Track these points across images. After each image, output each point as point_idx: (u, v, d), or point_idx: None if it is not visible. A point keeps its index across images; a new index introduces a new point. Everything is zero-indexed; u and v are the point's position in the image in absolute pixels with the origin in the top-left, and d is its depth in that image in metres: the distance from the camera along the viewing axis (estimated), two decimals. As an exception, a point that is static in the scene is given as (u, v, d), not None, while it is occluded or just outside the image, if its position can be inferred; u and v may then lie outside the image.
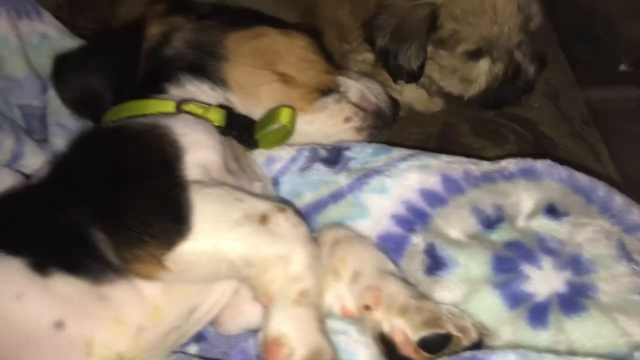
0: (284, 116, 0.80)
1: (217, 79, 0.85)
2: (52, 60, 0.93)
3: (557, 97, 1.22)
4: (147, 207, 0.59)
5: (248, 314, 0.70)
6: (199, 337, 0.72)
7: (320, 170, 0.82)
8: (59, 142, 0.91)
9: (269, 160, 0.85)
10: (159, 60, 0.86)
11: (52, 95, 0.95)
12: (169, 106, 0.79)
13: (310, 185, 0.81)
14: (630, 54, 3.27)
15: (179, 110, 0.78)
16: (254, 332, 0.69)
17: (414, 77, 1.04)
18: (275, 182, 0.83)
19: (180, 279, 0.62)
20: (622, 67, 3.40)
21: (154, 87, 0.84)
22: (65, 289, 0.59)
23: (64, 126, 0.92)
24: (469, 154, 0.94)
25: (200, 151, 0.68)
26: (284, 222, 0.63)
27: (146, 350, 0.63)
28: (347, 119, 0.88)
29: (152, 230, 0.59)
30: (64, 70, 0.91)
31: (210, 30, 0.88)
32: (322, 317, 0.61)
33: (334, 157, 0.84)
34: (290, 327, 0.59)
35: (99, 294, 0.60)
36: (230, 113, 0.81)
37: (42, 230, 0.62)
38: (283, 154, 0.85)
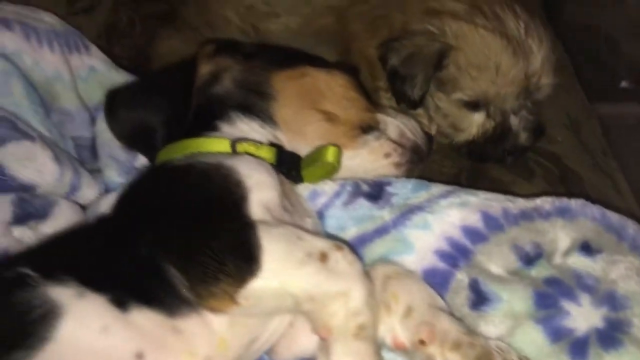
0: (331, 155, 0.85)
1: (265, 117, 0.90)
2: (104, 95, 0.98)
3: (578, 130, 1.27)
4: (220, 246, 0.64)
5: (302, 344, 0.74)
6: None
7: (363, 205, 0.86)
8: (113, 174, 0.96)
9: (314, 194, 0.89)
10: (209, 99, 0.91)
11: (102, 128, 1.00)
12: (224, 145, 0.83)
13: (355, 219, 0.85)
14: (632, 72, 3.35)
15: (234, 148, 0.83)
16: (306, 360, 0.74)
17: (415, 105, 1.08)
18: (320, 215, 0.88)
19: (247, 313, 0.66)
20: (624, 84, 3.48)
21: (206, 124, 0.89)
22: (143, 322, 0.63)
23: (116, 158, 0.97)
24: (500, 188, 0.99)
25: (262, 191, 0.72)
26: (342, 260, 0.67)
27: None
28: (387, 155, 0.93)
29: (225, 269, 0.63)
30: (116, 105, 0.95)
31: (258, 71, 0.93)
32: (378, 350, 0.66)
33: (376, 192, 0.88)
34: (350, 359, 0.63)
35: (173, 327, 0.64)
36: (280, 151, 0.86)
37: (118, 266, 0.66)
38: (327, 188, 0.89)
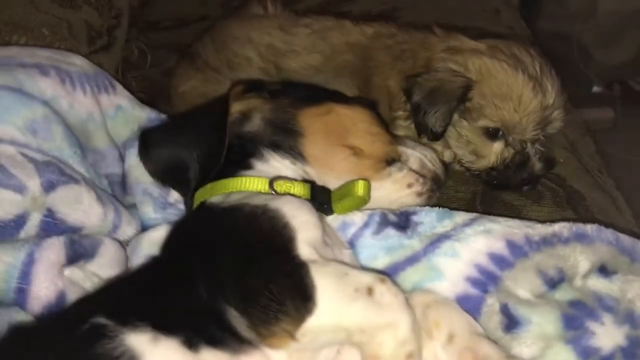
0: (362, 188, 0.90)
1: (296, 154, 0.95)
2: (138, 135, 1.02)
3: (576, 150, 1.35)
4: (278, 288, 0.69)
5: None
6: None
7: (392, 235, 0.92)
8: (149, 210, 0.99)
9: (344, 225, 0.94)
10: (240, 137, 0.96)
11: (133, 165, 1.04)
12: (262, 184, 0.88)
13: (385, 249, 0.91)
14: (603, 77, 3.48)
15: (272, 187, 0.88)
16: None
17: (436, 136, 1.14)
18: (351, 245, 0.92)
19: (304, 348, 0.71)
20: (595, 89, 3.61)
21: (240, 162, 0.94)
22: None
23: (151, 194, 1.01)
24: (512, 211, 1.06)
25: (308, 231, 0.77)
26: (387, 293, 0.73)
27: None
28: (410, 185, 0.99)
29: (284, 309, 0.68)
30: (150, 143, 1.00)
31: (285, 109, 0.98)
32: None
33: (403, 222, 0.94)
34: None
35: None
36: (313, 186, 0.91)
37: (182, 309, 0.71)
38: (356, 219, 0.94)
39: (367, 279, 0.73)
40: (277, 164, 0.94)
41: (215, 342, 0.69)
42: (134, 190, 1.02)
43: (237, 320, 0.70)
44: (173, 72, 1.34)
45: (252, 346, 0.70)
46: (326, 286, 0.70)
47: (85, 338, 0.66)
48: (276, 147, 0.95)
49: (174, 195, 1.02)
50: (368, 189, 0.91)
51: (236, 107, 0.98)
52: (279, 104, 0.99)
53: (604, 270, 0.85)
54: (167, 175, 0.99)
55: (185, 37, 1.78)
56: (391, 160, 0.99)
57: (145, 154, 1.00)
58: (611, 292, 0.82)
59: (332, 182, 0.95)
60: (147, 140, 1.00)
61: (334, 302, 0.70)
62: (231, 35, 1.27)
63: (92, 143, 1.04)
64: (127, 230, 0.96)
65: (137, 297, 0.73)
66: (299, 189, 0.89)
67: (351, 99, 1.06)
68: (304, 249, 0.75)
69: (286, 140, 0.95)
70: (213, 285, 0.72)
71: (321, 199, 0.91)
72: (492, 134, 1.11)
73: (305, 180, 0.92)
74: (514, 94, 1.06)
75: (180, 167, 0.96)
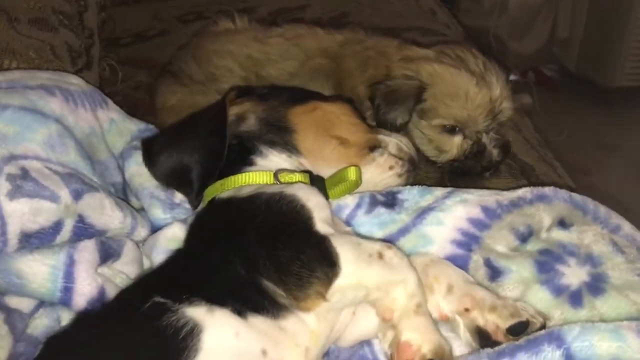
0: (353, 174, 1.03)
1: (291, 148, 1.06)
2: (141, 144, 1.10)
3: (520, 129, 1.53)
4: (308, 258, 0.81)
5: (362, 328, 0.91)
6: (325, 353, 0.93)
7: (383, 212, 1.05)
8: (158, 212, 1.07)
9: (338, 207, 1.06)
10: (238, 137, 1.06)
11: (135, 172, 1.12)
12: (268, 177, 0.99)
13: (379, 225, 1.03)
14: (518, 66, 3.77)
15: (277, 178, 0.99)
16: (365, 342, 0.92)
17: (397, 130, 1.28)
18: (348, 225, 1.05)
19: (332, 308, 0.83)
20: (512, 77, 3.90)
21: (242, 160, 1.04)
22: (260, 326, 0.79)
23: (157, 197, 1.09)
24: (477, 184, 1.21)
25: (321, 211, 0.89)
26: (395, 256, 0.86)
27: None
28: (391, 167, 1.12)
29: (316, 274, 0.80)
30: (154, 152, 1.08)
31: (277, 109, 1.10)
32: (434, 321, 0.85)
33: (390, 200, 1.07)
34: (415, 331, 0.82)
35: (279, 327, 0.80)
36: (311, 176, 1.03)
37: (225, 285, 0.81)
38: (348, 201, 1.06)
39: (376, 246, 0.86)
40: (275, 159, 1.05)
41: (258, 310, 0.80)
42: (141, 195, 1.11)
43: (273, 290, 0.81)
44: (155, 89, 1.42)
45: (288, 311, 0.82)
46: (346, 253, 0.82)
47: (150, 314, 0.75)
48: (273, 144, 1.06)
49: (179, 196, 1.11)
50: (359, 173, 1.04)
51: (232, 111, 1.08)
52: (270, 105, 1.10)
53: (562, 223, 1.02)
54: (171, 178, 1.08)
55: (145, 52, 1.86)
56: (373, 147, 1.12)
57: (150, 161, 1.08)
58: (571, 240, 0.99)
59: (324, 171, 1.06)
60: (150, 148, 1.09)
61: (355, 265, 0.82)
62: (211, 50, 1.37)
63: (97, 155, 1.11)
64: (142, 231, 1.04)
65: (184, 279, 0.83)
66: (300, 179, 1.00)
67: (331, 97, 1.18)
68: (321, 225, 0.87)
69: (281, 136, 1.07)
70: (248, 262, 0.82)
71: (318, 187, 1.03)
72: (449, 130, 1.27)
73: (303, 171, 1.03)
74: (461, 92, 1.22)
75: (184, 171, 1.06)
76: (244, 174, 1.00)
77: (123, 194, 1.16)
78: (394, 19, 1.92)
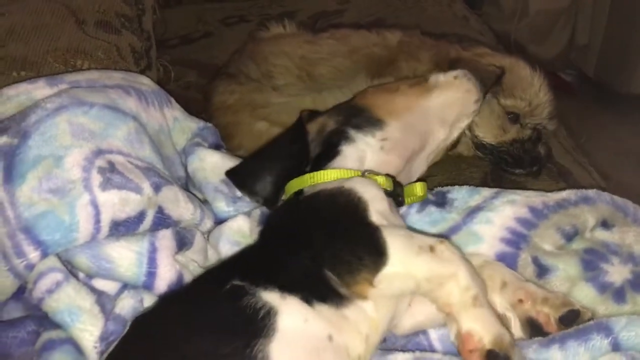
0: (420, 189, 1.11)
1: (374, 121, 1.11)
2: (227, 175, 1.16)
3: (556, 135, 1.59)
4: (359, 247, 0.87)
5: (418, 319, 0.98)
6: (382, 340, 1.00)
7: (434, 211, 1.12)
8: (222, 204, 1.15)
9: (392, 206, 1.13)
10: (323, 143, 1.12)
11: (198, 168, 1.20)
12: (354, 175, 1.04)
13: (431, 223, 1.11)
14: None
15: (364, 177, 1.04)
16: (420, 331, 0.99)
17: None
18: (402, 222, 1.12)
19: (382, 294, 0.88)
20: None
21: (327, 156, 1.09)
22: (325, 314, 0.85)
23: (221, 191, 1.17)
24: (519, 186, 1.28)
25: (377, 203, 0.95)
26: (446, 250, 0.90)
27: (370, 351, 0.90)
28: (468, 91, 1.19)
29: (365, 262, 0.86)
30: (247, 179, 1.13)
31: (348, 103, 1.18)
32: (494, 312, 0.90)
33: (440, 199, 1.14)
34: (475, 322, 0.86)
35: (342, 315, 0.86)
36: (394, 181, 1.07)
37: (294, 274, 0.87)
38: (401, 201, 1.14)
39: (429, 240, 0.91)
40: (361, 143, 1.10)
41: (323, 299, 0.86)
42: (205, 188, 1.18)
43: (334, 280, 0.87)
44: (212, 90, 1.51)
45: (350, 300, 0.88)
46: (395, 243, 0.88)
47: (231, 294, 0.83)
48: (358, 126, 1.11)
49: (240, 190, 1.18)
50: (425, 189, 1.12)
51: (313, 127, 1.13)
52: (339, 108, 1.17)
53: (605, 224, 1.08)
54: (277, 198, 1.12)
55: (191, 53, 1.94)
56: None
57: (245, 187, 1.14)
58: (613, 240, 1.05)
59: (412, 121, 1.14)
60: (241, 176, 1.14)
61: (402, 255, 0.87)
62: (268, 51, 1.47)
63: (164, 151, 1.18)
64: (207, 223, 1.12)
65: (258, 267, 0.90)
66: (382, 180, 1.05)
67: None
68: (375, 216, 0.93)
69: (361, 114, 1.12)
70: (312, 253, 0.89)
71: (399, 192, 1.08)
72: (512, 119, 1.37)
73: (388, 176, 1.07)
74: (533, 87, 1.35)
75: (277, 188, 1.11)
76: (325, 171, 1.05)
77: (185, 188, 1.23)
78: (430, 25, 1.98)
